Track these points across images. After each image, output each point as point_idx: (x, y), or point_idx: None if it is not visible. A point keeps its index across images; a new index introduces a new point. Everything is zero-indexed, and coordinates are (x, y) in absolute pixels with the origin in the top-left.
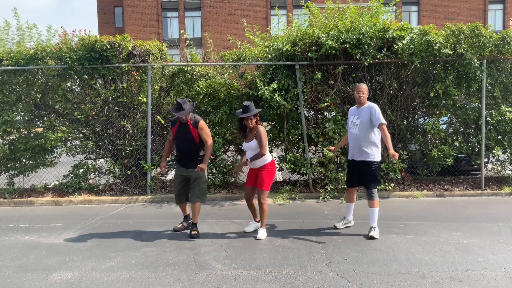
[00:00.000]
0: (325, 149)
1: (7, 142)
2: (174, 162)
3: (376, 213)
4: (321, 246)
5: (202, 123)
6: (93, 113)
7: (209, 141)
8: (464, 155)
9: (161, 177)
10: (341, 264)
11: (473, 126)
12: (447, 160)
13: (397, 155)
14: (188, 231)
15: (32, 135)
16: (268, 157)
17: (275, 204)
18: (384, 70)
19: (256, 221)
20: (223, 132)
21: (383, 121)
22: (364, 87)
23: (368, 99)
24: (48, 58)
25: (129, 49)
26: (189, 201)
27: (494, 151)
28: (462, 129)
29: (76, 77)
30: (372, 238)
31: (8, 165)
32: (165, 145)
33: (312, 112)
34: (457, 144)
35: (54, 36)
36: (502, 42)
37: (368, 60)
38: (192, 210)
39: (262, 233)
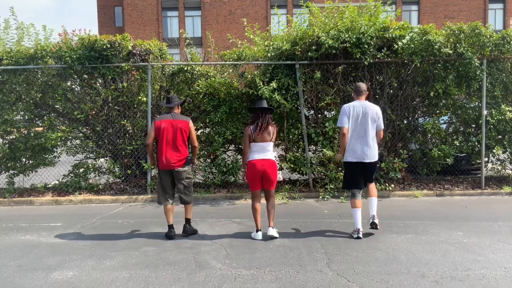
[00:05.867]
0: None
1: (7, 141)
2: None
3: None
4: (321, 245)
5: None
6: (93, 112)
7: None
8: (464, 154)
9: None
10: (341, 264)
11: (473, 126)
12: (447, 159)
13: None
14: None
15: (32, 134)
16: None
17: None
18: (384, 69)
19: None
20: (223, 132)
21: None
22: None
23: (368, 98)
24: (48, 57)
25: (129, 49)
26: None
27: (494, 151)
28: (462, 129)
29: (76, 76)
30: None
31: (8, 165)
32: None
33: (312, 112)
34: (457, 144)
35: (51, 35)
36: (502, 42)
37: (368, 59)
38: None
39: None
